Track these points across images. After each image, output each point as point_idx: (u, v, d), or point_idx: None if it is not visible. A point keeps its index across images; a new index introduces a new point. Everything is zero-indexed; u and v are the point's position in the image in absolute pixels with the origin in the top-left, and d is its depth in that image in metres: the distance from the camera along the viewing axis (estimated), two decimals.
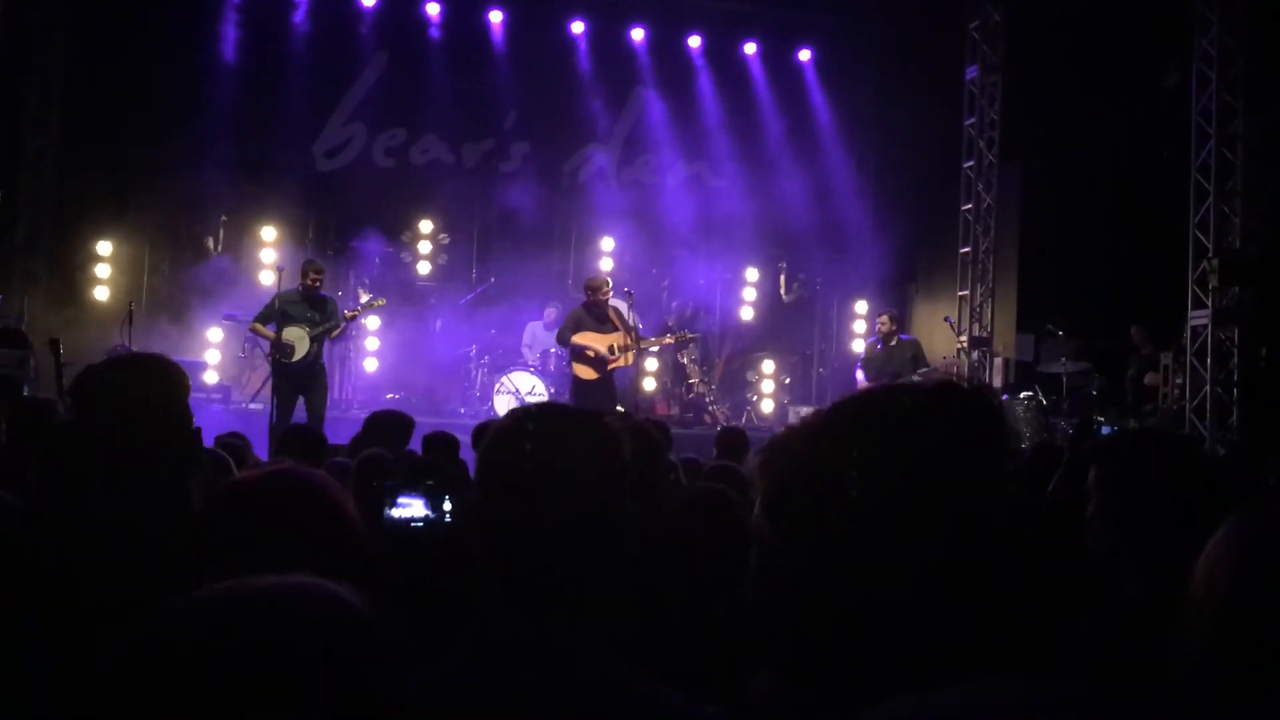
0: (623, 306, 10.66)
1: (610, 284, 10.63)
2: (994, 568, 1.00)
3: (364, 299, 13.10)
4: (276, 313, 9.60)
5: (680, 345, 12.81)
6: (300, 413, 9.54)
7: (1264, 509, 1.08)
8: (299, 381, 9.50)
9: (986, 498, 1.01)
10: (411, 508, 2.14)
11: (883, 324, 11.36)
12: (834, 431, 1.05)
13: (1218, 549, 1.08)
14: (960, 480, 1.00)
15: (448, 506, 2.09)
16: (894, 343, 11.25)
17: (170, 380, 2.30)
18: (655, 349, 12.50)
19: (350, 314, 9.98)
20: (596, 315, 10.39)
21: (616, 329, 10.38)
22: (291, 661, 0.90)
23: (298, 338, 9.54)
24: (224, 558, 1.60)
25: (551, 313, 12.94)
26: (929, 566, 0.98)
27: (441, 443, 5.32)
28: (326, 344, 9.99)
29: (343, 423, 9.59)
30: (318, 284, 9.82)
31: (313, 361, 9.61)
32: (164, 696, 0.88)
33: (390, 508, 2.12)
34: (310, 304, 9.73)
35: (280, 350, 9.50)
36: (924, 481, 0.99)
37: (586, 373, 10.35)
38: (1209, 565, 1.07)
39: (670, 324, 13.61)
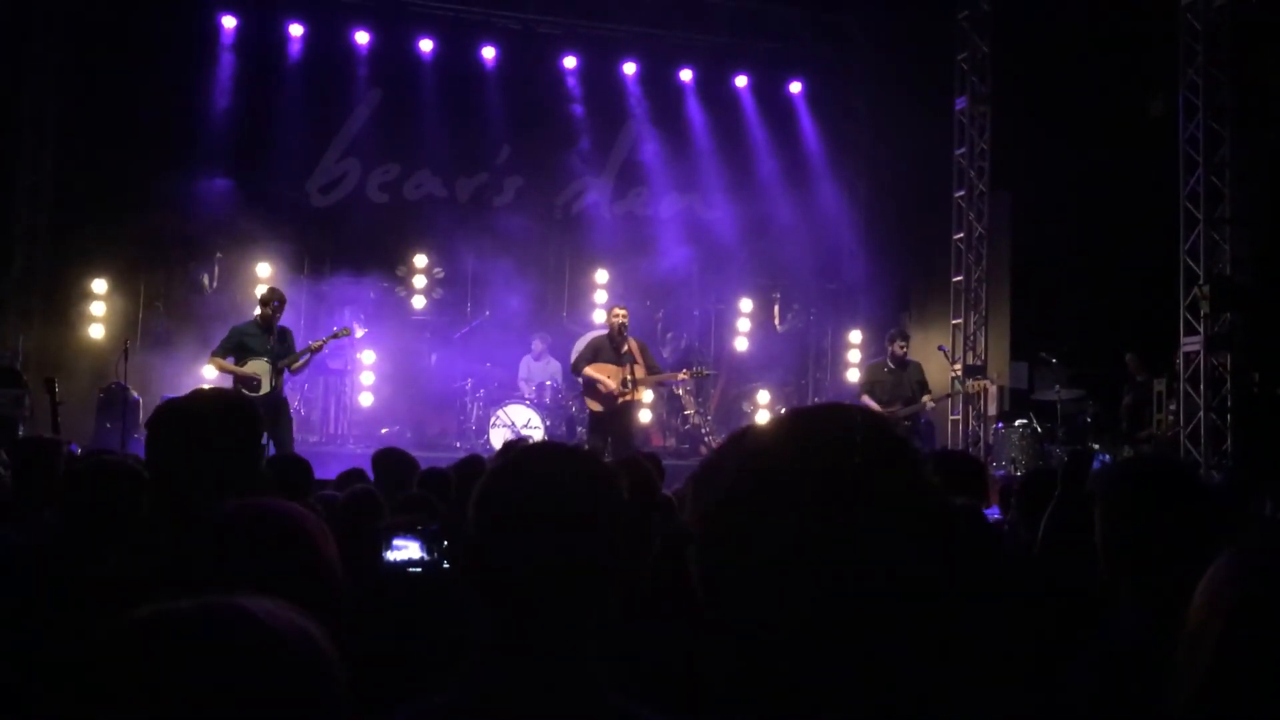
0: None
1: (625, 311, 10.51)
2: (924, 614, 1.00)
3: (359, 332, 13.13)
4: (235, 345, 9.44)
5: (696, 380, 12.61)
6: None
7: (1259, 544, 1.08)
8: (265, 416, 9.31)
9: (913, 541, 1.01)
10: (407, 550, 2.14)
11: (901, 348, 10.90)
12: (766, 461, 1.05)
13: (1214, 584, 1.08)
14: (889, 520, 1.01)
15: (445, 549, 2.10)
16: (905, 366, 10.95)
17: (246, 416, 2.32)
18: (673, 384, 12.49)
19: (315, 345, 9.67)
20: (615, 346, 10.34)
21: (636, 361, 10.27)
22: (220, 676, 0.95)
23: (262, 371, 9.36)
24: (195, 587, 1.61)
25: (539, 344, 12.95)
26: (851, 610, 0.98)
27: (435, 480, 5.29)
28: (290, 376, 9.85)
29: (338, 458, 9.56)
30: (277, 313, 9.54)
31: (276, 395, 9.39)
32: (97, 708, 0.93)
33: (386, 550, 2.12)
34: (268, 335, 9.49)
35: (246, 384, 9.31)
36: (849, 519, 1.00)
37: (594, 405, 10.35)
38: (1206, 600, 1.08)
39: (665, 355, 13.63)
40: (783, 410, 1.18)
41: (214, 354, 9.59)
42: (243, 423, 2.27)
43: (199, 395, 2.39)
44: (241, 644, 0.97)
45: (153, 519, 2.14)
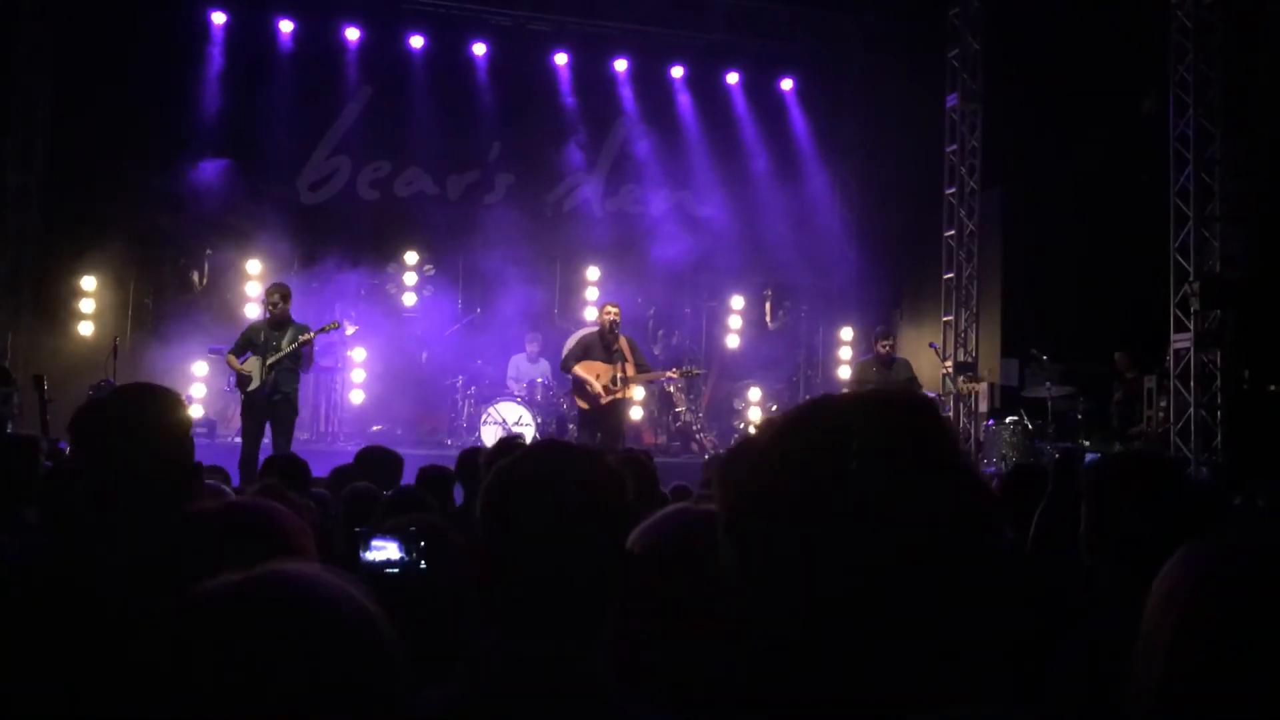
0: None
1: (617, 308, 10.51)
2: (953, 591, 1.00)
3: (349, 329, 13.11)
4: (244, 343, 9.57)
5: (687, 378, 12.58)
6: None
7: (1216, 540, 1.07)
8: (259, 412, 9.35)
9: (947, 514, 1.01)
10: (386, 550, 2.13)
11: (886, 346, 10.97)
12: (796, 441, 1.05)
13: (1170, 580, 1.07)
14: (921, 495, 1.00)
15: (423, 551, 2.09)
16: (892, 364, 10.98)
17: (174, 412, 2.28)
18: (663, 381, 12.49)
19: (304, 339, 9.56)
20: (606, 344, 10.33)
21: (627, 359, 10.24)
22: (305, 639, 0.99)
23: (254, 367, 9.43)
24: (177, 585, 1.60)
25: (534, 345, 12.94)
26: (889, 585, 0.98)
27: (436, 478, 5.27)
28: (305, 373, 9.85)
29: (328, 455, 9.52)
30: (276, 308, 9.58)
31: (270, 391, 9.37)
32: (192, 684, 0.95)
33: (365, 551, 2.11)
34: (275, 331, 9.53)
35: (240, 382, 9.47)
36: (881, 495, 0.99)
37: (583, 403, 10.33)
38: (1162, 594, 1.06)
39: (656, 353, 13.63)
40: (808, 399, 1.21)
41: (229, 352, 9.73)
42: (166, 416, 2.24)
43: (120, 391, 2.36)
44: (307, 608, 1.01)
45: (125, 517, 2.12)
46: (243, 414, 9.54)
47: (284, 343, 9.48)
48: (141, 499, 2.08)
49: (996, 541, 1.05)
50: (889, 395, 1.08)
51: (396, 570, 2.14)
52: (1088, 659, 1.96)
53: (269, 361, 9.42)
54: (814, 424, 1.05)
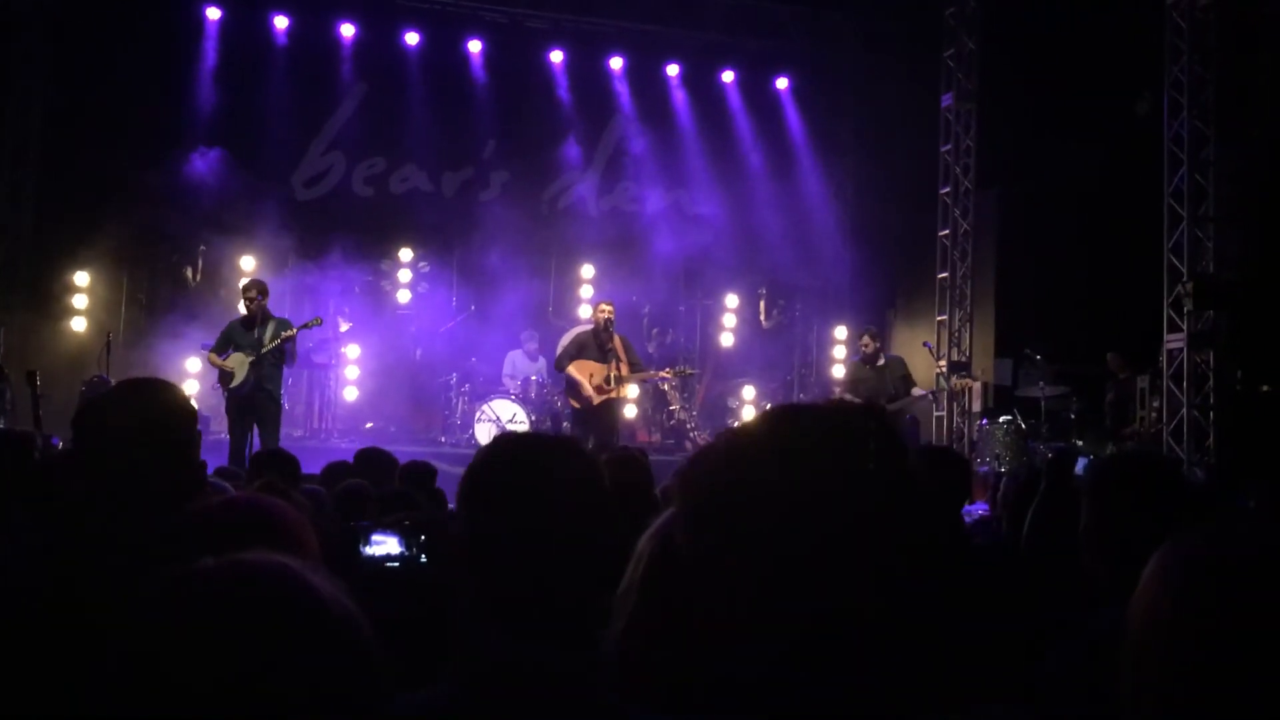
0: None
1: (612, 306, 10.50)
2: (956, 591, 1.00)
3: (343, 326, 13.10)
4: (225, 341, 9.62)
5: (680, 379, 12.57)
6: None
7: (1192, 537, 1.05)
8: (244, 409, 9.39)
9: (898, 521, 1.01)
10: (386, 545, 2.13)
11: (866, 345, 10.88)
12: (749, 453, 1.05)
13: (1154, 581, 1.06)
14: (873, 502, 1.00)
15: (423, 544, 2.09)
16: (881, 362, 10.91)
17: (181, 408, 2.27)
18: (657, 381, 12.50)
19: (286, 335, 9.54)
20: (600, 342, 10.31)
21: (620, 358, 10.23)
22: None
23: (238, 363, 9.46)
24: None
25: (532, 343, 12.93)
26: (894, 586, 0.98)
27: (419, 473, 5.28)
28: (289, 369, 9.86)
29: (322, 452, 9.52)
30: (254, 304, 9.61)
31: (254, 388, 9.40)
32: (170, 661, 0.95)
33: (365, 545, 2.10)
34: (256, 327, 9.57)
35: (222, 378, 9.51)
36: (832, 502, 0.99)
37: (576, 402, 10.31)
38: (1148, 597, 1.05)
39: (651, 351, 13.64)
40: (769, 406, 1.18)
41: (211, 349, 9.77)
42: (170, 412, 2.22)
43: (126, 386, 2.34)
44: (288, 593, 1.01)
45: (128, 514, 2.10)
46: (228, 411, 9.58)
47: (266, 338, 9.48)
48: (148, 495, 2.07)
49: (994, 543, 1.05)
50: (863, 421, 1.07)
51: (397, 564, 2.13)
52: (1087, 659, 1.97)
53: (260, 354, 9.42)
54: (823, 425, 1.04)
